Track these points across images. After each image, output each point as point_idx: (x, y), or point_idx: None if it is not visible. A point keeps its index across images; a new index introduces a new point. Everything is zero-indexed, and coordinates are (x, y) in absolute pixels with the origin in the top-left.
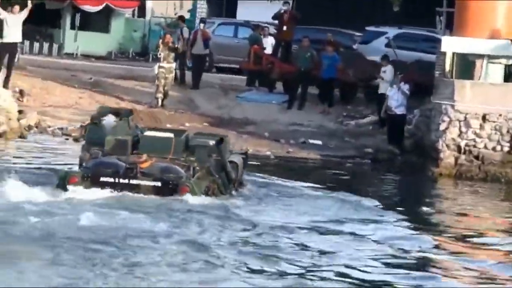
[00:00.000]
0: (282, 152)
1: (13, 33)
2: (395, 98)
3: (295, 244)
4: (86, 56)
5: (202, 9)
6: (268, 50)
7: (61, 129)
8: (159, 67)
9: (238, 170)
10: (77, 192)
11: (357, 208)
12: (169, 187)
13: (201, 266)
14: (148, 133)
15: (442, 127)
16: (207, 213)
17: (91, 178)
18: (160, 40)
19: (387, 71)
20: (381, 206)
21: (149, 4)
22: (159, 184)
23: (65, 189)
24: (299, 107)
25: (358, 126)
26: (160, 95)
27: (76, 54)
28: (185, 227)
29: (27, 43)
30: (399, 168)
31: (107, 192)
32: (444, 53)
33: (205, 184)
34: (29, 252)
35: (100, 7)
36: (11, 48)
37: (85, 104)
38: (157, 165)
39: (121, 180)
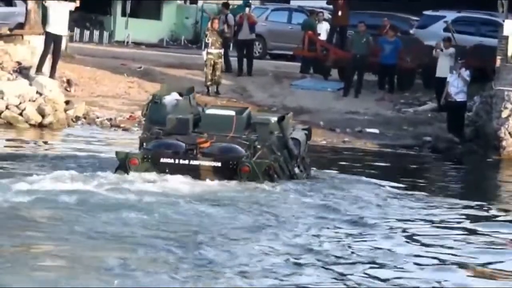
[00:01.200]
0: (338, 142)
1: (58, 23)
2: (455, 84)
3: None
4: (137, 44)
5: None
6: (323, 36)
7: (110, 119)
8: (207, 53)
9: (301, 147)
10: (137, 179)
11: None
12: (229, 167)
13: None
14: (209, 111)
15: (505, 114)
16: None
17: (151, 159)
18: (208, 25)
19: (450, 53)
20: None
21: None
22: (219, 164)
23: (126, 171)
24: (355, 94)
25: (416, 114)
26: (209, 83)
27: (127, 42)
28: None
29: (77, 31)
30: (460, 157)
31: (180, 180)
32: (507, 37)
33: (266, 163)
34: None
35: None
36: (56, 40)
37: (134, 93)
38: (218, 145)
39: (181, 161)
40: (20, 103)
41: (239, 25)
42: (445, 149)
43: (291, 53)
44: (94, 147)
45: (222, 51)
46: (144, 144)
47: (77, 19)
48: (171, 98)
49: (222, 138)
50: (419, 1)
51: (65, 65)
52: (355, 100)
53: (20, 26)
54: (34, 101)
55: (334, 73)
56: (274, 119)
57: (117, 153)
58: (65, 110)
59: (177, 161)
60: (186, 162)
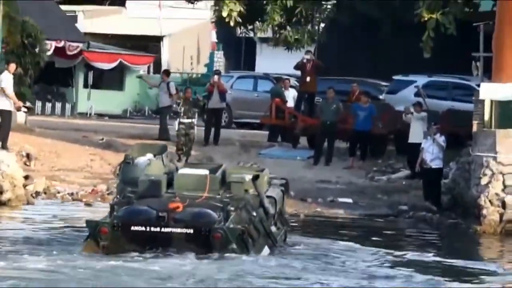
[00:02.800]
0: (310, 212)
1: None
2: (430, 150)
3: None
4: (100, 115)
5: (220, 63)
6: (290, 103)
7: (71, 194)
8: (179, 123)
9: (277, 204)
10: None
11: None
12: (202, 234)
13: None
14: (182, 170)
15: (484, 181)
16: None
17: (121, 227)
18: (180, 94)
19: (422, 117)
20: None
21: (164, 60)
22: (191, 231)
23: (97, 241)
24: (325, 162)
25: (390, 182)
26: (180, 152)
27: (90, 113)
28: None
29: (38, 103)
30: (438, 226)
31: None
32: (482, 101)
33: (239, 230)
34: None
35: (113, 64)
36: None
37: (96, 166)
38: (190, 211)
39: (153, 229)
40: None
41: (209, 93)
42: (421, 218)
43: (257, 121)
44: (55, 223)
45: (195, 120)
46: (115, 211)
47: (38, 91)
48: (143, 158)
49: (195, 201)
50: (389, 65)
51: (25, 139)
52: (326, 168)
53: None
54: None
55: (303, 141)
56: (249, 176)
57: (87, 222)
58: (24, 186)
59: (148, 228)
60: (158, 229)
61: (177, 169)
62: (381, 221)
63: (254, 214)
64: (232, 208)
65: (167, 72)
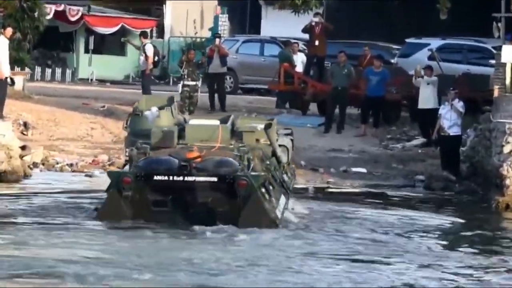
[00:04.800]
0: (322, 184)
1: (5, 64)
2: (448, 117)
3: None
4: (102, 81)
5: (224, 26)
6: (299, 68)
7: (71, 165)
8: (183, 85)
9: (289, 154)
10: None
11: None
12: (226, 182)
13: None
14: (192, 121)
15: (506, 149)
16: None
17: (144, 177)
18: (183, 56)
19: (432, 84)
20: None
21: (167, 24)
22: (215, 179)
23: (119, 190)
24: (337, 130)
25: (405, 150)
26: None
27: (91, 79)
28: None
29: (38, 69)
30: (458, 197)
31: None
32: (504, 65)
33: (262, 176)
34: None
35: (115, 29)
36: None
37: (97, 135)
38: (211, 159)
39: (176, 178)
40: None
41: (209, 58)
42: (440, 189)
43: (265, 87)
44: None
45: (199, 83)
46: (134, 161)
47: (38, 57)
48: (153, 110)
49: (211, 149)
50: (403, 28)
51: (22, 106)
52: (338, 136)
53: None
54: None
55: (313, 107)
56: (261, 126)
57: (109, 172)
58: (21, 157)
59: (171, 178)
60: (181, 178)
61: (185, 121)
62: (397, 192)
63: (268, 162)
64: (251, 157)
65: (144, 34)
